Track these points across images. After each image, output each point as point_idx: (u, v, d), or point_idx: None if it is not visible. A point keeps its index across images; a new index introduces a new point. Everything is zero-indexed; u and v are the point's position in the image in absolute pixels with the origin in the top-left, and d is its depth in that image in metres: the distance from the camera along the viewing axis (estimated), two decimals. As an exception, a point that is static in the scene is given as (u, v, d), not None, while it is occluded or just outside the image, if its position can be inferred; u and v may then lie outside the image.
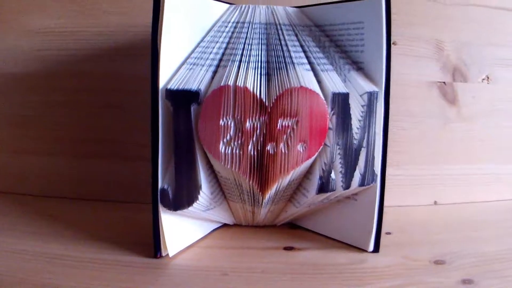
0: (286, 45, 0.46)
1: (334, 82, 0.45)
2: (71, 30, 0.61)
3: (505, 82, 0.64)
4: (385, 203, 0.47)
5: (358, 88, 0.45)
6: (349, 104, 0.44)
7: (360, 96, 0.45)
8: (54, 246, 0.47)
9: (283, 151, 0.43)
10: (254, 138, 0.43)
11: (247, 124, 0.42)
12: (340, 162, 0.45)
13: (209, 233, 0.51)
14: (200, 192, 0.44)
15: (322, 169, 0.45)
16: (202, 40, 0.46)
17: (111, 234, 0.50)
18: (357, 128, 0.45)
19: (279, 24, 0.48)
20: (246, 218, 0.52)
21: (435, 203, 0.64)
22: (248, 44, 0.46)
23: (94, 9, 0.60)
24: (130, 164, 0.62)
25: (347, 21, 0.47)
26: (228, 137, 0.43)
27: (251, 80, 0.43)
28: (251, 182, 0.44)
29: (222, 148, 0.43)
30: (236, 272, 0.43)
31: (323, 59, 0.47)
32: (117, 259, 0.45)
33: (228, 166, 0.43)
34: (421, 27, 0.61)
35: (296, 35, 0.48)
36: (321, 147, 0.44)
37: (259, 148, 0.43)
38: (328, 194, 0.46)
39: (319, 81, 0.45)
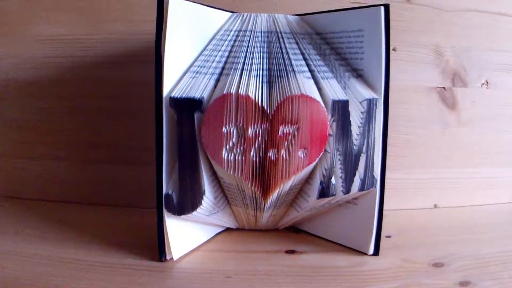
0: (287, 53, 0.47)
1: (334, 90, 0.46)
2: (77, 38, 0.61)
3: (505, 87, 0.64)
4: (386, 206, 0.48)
5: (358, 95, 0.46)
6: (348, 111, 0.45)
7: (360, 103, 0.45)
8: (62, 250, 0.48)
9: (284, 157, 0.44)
10: (256, 145, 0.44)
11: (249, 131, 0.43)
12: (340, 168, 0.46)
13: (213, 237, 0.52)
14: (204, 197, 0.44)
15: (323, 174, 0.46)
16: (205, 49, 0.47)
17: (117, 238, 0.51)
18: (357, 134, 0.46)
19: (280, 32, 0.48)
20: (248, 222, 0.53)
21: (435, 206, 0.64)
22: (250, 53, 0.47)
23: (99, 17, 0.61)
24: (136, 169, 0.62)
25: (347, 29, 0.47)
26: (230, 144, 0.44)
27: (253, 88, 0.44)
28: (253, 187, 0.45)
29: (225, 155, 0.44)
30: (239, 275, 0.44)
31: (323, 67, 0.47)
32: (123, 262, 0.45)
33: (231, 172, 0.44)
34: (420, 33, 0.62)
35: (297, 43, 0.48)
36: (321, 153, 0.45)
37: (261, 155, 0.44)
38: (329, 198, 0.47)
39: (319, 89, 0.45)
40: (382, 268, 0.45)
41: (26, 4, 0.62)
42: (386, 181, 0.47)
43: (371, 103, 0.45)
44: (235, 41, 0.48)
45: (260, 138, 0.44)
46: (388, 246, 0.50)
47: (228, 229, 0.54)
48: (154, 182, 0.44)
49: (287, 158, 0.44)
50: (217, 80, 0.46)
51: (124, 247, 0.49)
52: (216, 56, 0.47)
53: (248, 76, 0.45)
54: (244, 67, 0.45)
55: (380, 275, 0.44)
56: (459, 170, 0.65)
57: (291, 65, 0.46)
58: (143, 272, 0.44)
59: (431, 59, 0.62)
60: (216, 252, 0.49)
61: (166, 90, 0.43)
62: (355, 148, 0.46)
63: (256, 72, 0.45)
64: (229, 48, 0.47)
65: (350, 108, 0.45)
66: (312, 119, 0.44)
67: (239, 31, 0.48)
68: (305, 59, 0.47)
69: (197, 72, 0.45)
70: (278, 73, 0.45)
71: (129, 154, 0.62)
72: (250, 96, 0.43)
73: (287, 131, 0.44)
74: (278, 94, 0.44)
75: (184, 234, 0.47)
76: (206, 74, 0.45)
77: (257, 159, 0.44)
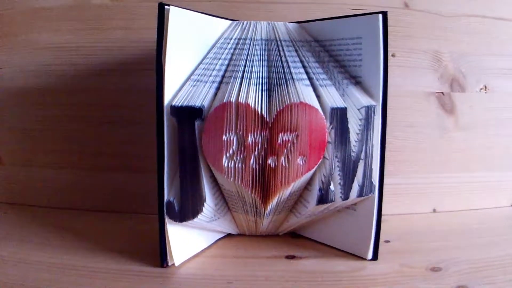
0: (287, 61, 0.47)
1: (333, 97, 0.46)
2: (79, 46, 0.62)
3: (503, 92, 0.65)
4: (385, 211, 0.48)
5: (356, 102, 0.46)
6: (347, 118, 0.45)
7: (358, 110, 0.46)
8: (66, 256, 0.48)
9: (283, 164, 0.45)
10: (256, 152, 0.44)
11: (249, 139, 0.44)
12: (339, 174, 0.46)
13: (214, 243, 0.53)
14: (205, 204, 0.45)
15: (322, 181, 0.47)
16: (205, 57, 0.47)
17: (119, 245, 0.52)
18: (355, 141, 0.46)
19: (280, 40, 0.49)
20: (249, 228, 0.53)
21: (434, 211, 0.65)
22: (250, 61, 0.47)
23: (102, 25, 0.61)
24: (138, 176, 0.63)
25: (346, 36, 0.48)
26: (231, 152, 0.44)
27: (252, 96, 0.44)
28: (253, 194, 0.45)
29: (225, 162, 0.44)
30: (240, 280, 0.44)
31: (322, 74, 0.48)
32: (125, 268, 0.46)
33: (231, 179, 0.45)
34: (419, 38, 0.62)
35: (296, 51, 0.49)
36: (320, 160, 0.45)
37: (260, 162, 0.44)
38: (328, 204, 0.47)
39: (318, 96, 0.46)
40: (381, 273, 0.46)
41: (28, 12, 0.62)
42: (385, 186, 0.48)
43: (369, 110, 0.46)
44: (235, 49, 0.48)
45: (259, 146, 0.44)
46: (386, 251, 0.50)
47: (228, 235, 0.55)
48: (156, 189, 0.45)
49: (287, 165, 0.45)
50: (218, 89, 0.46)
51: (126, 253, 0.49)
52: (216, 64, 0.47)
53: (248, 85, 0.45)
54: (244, 75, 0.46)
55: (378, 280, 0.44)
56: (458, 174, 0.65)
57: (290, 73, 0.46)
58: (145, 278, 0.44)
59: (429, 64, 0.63)
60: (217, 257, 0.49)
61: (167, 99, 0.44)
62: (353, 154, 0.46)
63: (255, 80, 0.46)
64: (229, 56, 0.48)
65: (349, 115, 0.46)
66: (311, 126, 0.44)
67: (239, 39, 0.49)
68: (304, 66, 0.48)
69: (197, 81, 0.46)
70: (278, 81, 0.46)
71: (131, 161, 0.63)
72: (250, 104, 0.43)
73: (287, 139, 0.44)
74: (277, 102, 0.44)
75: (186, 240, 0.48)
76: (206, 82, 0.46)
77: (257, 167, 0.45)
